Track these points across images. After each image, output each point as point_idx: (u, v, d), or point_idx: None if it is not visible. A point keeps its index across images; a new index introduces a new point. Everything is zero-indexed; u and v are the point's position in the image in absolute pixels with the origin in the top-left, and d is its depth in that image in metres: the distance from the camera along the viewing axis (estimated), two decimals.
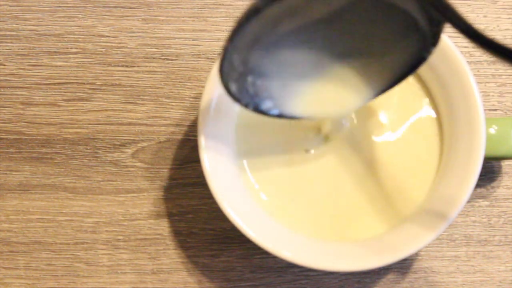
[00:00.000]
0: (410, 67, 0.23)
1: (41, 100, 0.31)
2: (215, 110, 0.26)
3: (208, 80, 0.26)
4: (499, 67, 0.32)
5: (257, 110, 0.24)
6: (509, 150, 0.27)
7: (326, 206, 0.27)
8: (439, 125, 0.28)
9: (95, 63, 0.32)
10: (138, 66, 0.32)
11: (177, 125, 0.31)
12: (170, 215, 0.31)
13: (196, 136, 0.31)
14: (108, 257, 0.30)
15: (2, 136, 0.31)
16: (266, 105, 0.23)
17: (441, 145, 0.28)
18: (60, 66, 0.32)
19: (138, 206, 0.31)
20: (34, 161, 0.31)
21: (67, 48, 0.32)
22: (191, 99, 0.31)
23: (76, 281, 0.30)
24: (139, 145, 0.31)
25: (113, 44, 0.32)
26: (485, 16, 0.32)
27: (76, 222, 0.31)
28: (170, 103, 0.31)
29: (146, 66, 0.32)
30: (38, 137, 0.31)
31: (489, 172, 0.31)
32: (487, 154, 0.26)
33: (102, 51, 0.32)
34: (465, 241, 0.31)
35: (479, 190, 0.31)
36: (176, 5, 0.32)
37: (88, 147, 0.31)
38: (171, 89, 0.31)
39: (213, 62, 0.31)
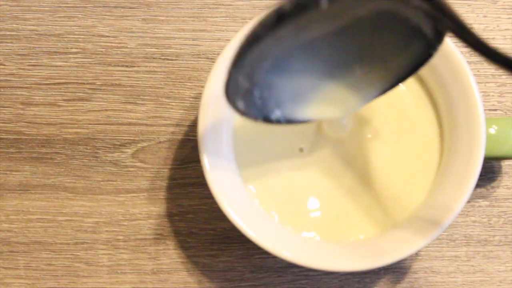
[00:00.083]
0: (413, 67, 0.23)
1: (41, 100, 0.31)
2: (214, 110, 0.26)
3: (208, 80, 0.26)
4: None
5: (267, 121, 0.23)
6: (509, 150, 0.27)
7: (323, 206, 0.27)
8: (439, 125, 0.28)
9: (95, 63, 0.32)
10: (138, 66, 0.32)
11: (177, 125, 0.31)
12: (170, 215, 0.31)
13: (196, 136, 0.31)
14: (108, 257, 0.30)
15: (2, 136, 0.31)
16: (275, 114, 0.23)
17: (441, 145, 0.28)
18: (60, 66, 0.32)
19: (138, 206, 0.31)
20: (34, 161, 0.31)
21: (67, 48, 0.32)
22: (191, 99, 0.31)
23: (76, 281, 0.30)
24: (139, 145, 0.31)
25: (113, 44, 0.32)
26: (485, 16, 0.32)
27: (76, 222, 0.31)
28: (170, 103, 0.31)
29: (146, 66, 0.32)
30: (38, 137, 0.31)
31: (489, 172, 0.31)
32: (487, 154, 0.26)
33: (102, 51, 0.32)
34: (465, 241, 0.31)
35: (479, 190, 0.31)
36: (176, 5, 0.32)
37: (88, 147, 0.31)
38: (171, 89, 0.31)
39: (213, 62, 0.31)
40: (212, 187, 0.25)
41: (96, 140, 0.31)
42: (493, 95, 0.32)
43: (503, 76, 0.32)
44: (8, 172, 0.31)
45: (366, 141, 0.28)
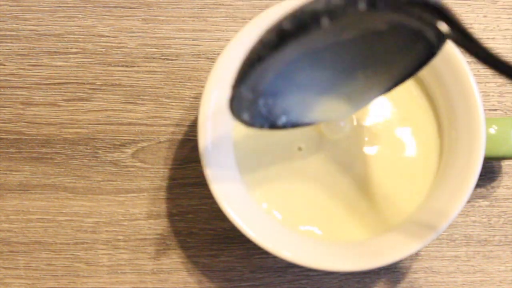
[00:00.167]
0: (416, 67, 0.23)
1: (41, 100, 0.31)
2: (214, 110, 0.26)
3: (208, 80, 0.26)
4: None
5: (273, 127, 0.23)
6: (509, 150, 0.27)
7: (323, 206, 0.27)
8: (439, 125, 0.28)
9: (95, 63, 0.32)
10: (138, 66, 0.32)
11: (177, 125, 0.31)
12: (170, 215, 0.31)
13: (196, 136, 0.31)
14: (108, 257, 0.30)
15: (2, 136, 0.31)
16: (282, 120, 0.23)
17: (441, 146, 0.28)
18: (60, 66, 0.32)
19: (138, 206, 0.31)
20: (34, 161, 0.31)
21: (67, 48, 0.32)
22: (191, 99, 0.31)
23: (76, 281, 0.30)
24: (139, 145, 0.31)
25: (113, 44, 0.32)
26: (485, 16, 0.32)
27: (76, 222, 0.31)
28: (170, 103, 0.31)
29: (146, 66, 0.32)
30: (38, 137, 0.31)
31: (489, 172, 0.31)
32: (487, 154, 0.26)
33: (102, 51, 0.32)
34: (465, 241, 0.31)
35: (479, 190, 0.31)
36: (176, 5, 0.32)
37: (88, 147, 0.31)
38: (171, 89, 0.31)
39: (213, 62, 0.31)
40: (212, 187, 0.25)
41: (96, 140, 0.31)
42: (493, 95, 0.32)
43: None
44: (8, 172, 0.31)
45: (366, 142, 0.28)
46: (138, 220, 0.31)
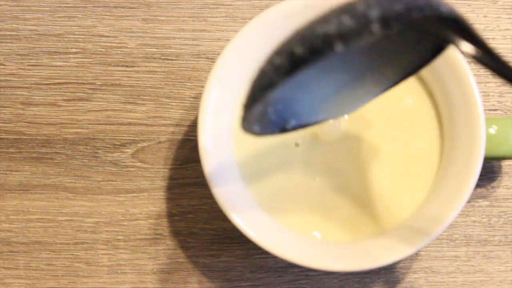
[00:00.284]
0: (422, 63, 0.22)
1: (41, 100, 0.31)
2: (214, 110, 0.26)
3: (208, 80, 0.26)
4: None
5: (283, 131, 0.23)
6: (509, 150, 0.27)
7: (323, 206, 0.27)
8: (439, 125, 0.28)
9: (95, 63, 0.32)
10: (138, 66, 0.32)
11: (177, 125, 0.31)
12: (170, 215, 0.31)
13: (196, 136, 0.31)
14: (108, 257, 0.30)
15: (2, 136, 0.31)
16: (291, 123, 0.23)
17: (441, 145, 0.28)
18: (60, 66, 0.32)
19: (138, 206, 0.31)
20: (34, 161, 0.31)
21: (67, 48, 0.32)
22: (191, 99, 0.31)
23: (76, 281, 0.30)
24: (139, 145, 0.31)
25: (113, 44, 0.32)
26: (485, 16, 0.32)
27: (76, 222, 0.31)
28: (170, 103, 0.31)
29: (146, 66, 0.32)
30: (38, 137, 0.31)
31: (489, 172, 0.31)
32: (487, 154, 0.26)
33: (102, 51, 0.32)
34: (465, 241, 0.31)
35: (479, 190, 0.31)
36: (176, 5, 0.32)
37: (88, 147, 0.31)
38: (171, 89, 0.31)
39: (213, 62, 0.31)
40: (212, 187, 0.25)
41: (96, 140, 0.31)
42: (493, 95, 0.32)
43: None
44: (8, 172, 0.31)
45: (366, 141, 0.28)
46: (138, 220, 0.31)
